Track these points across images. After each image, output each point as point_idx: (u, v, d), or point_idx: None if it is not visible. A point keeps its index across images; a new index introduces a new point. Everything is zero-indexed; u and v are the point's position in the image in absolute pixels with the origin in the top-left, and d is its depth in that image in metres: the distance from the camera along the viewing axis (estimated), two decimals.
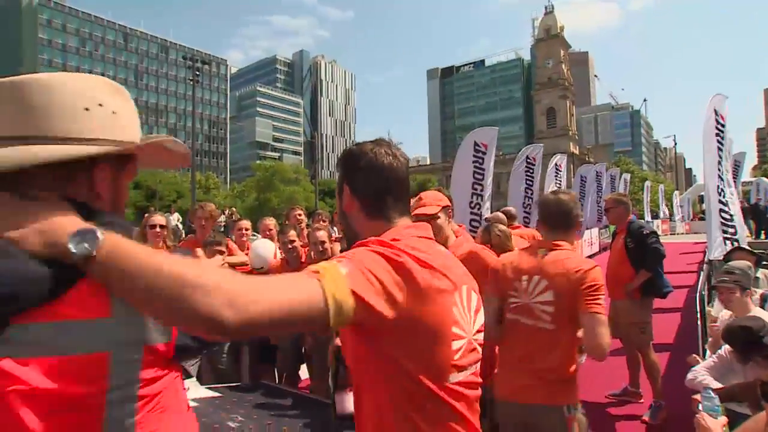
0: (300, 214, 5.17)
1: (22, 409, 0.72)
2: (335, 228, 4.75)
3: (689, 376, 2.73)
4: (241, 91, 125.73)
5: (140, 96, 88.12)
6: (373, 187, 1.29)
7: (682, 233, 29.80)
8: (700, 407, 2.36)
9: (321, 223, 4.67)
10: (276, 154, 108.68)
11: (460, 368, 1.18)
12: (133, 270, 0.74)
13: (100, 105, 0.91)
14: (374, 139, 1.37)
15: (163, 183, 50.27)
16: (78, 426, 0.78)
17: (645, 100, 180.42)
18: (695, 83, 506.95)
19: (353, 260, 1.04)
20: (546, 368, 2.26)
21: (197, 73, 31.77)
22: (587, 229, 14.19)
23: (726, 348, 2.74)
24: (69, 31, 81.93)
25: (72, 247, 0.73)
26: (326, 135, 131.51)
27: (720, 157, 6.08)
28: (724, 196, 5.94)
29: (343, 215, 1.37)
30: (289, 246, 4.03)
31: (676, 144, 71.02)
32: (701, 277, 5.95)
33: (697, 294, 4.92)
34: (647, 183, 33.66)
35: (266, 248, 4.21)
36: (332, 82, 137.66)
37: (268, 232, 4.77)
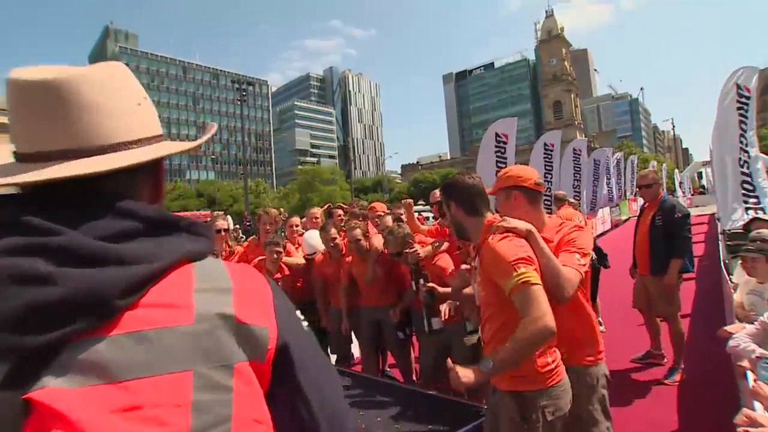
0: (363, 207, 5.26)
1: None
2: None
3: (731, 343, 2.45)
4: (282, 106, 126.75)
5: (198, 118, 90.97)
6: (467, 197, 1.92)
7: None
8: (750, 375, 2.10)
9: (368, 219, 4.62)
10: (314, 159, 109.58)
11: None
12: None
13: (145, 98, 0.66)
14: (460, 172, 2.13)
15: (221, 191, 51.37)
16: None
17: (642, 89, 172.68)
18: (687, 69, 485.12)
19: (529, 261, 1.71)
20: None
21: (244, 93, 32.15)
22: (600, 208, 13.61)
23: None
24: (141, 70, 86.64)
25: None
26: (357, 139, 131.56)
27: (743, 129, 5.46)
28: (748, 168, 5.37)
29: (454, 218, 1.98)
30: (332, 244, 4.00)
31: (674, 127, 68.04)
32: (721, 248, 5.54)
33: (721, 262, 4.55)
34: (653, 163, 32.28)
35: (316, 239, 4.21)
36: (359, 92, 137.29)
37: (314, 220, 4.77)
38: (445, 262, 3.27)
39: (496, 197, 2.13)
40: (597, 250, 4.77)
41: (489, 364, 1.60)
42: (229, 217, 4.43)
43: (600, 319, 5.01)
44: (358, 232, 3.77)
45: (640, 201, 4.78)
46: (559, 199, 5.64)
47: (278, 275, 3.97)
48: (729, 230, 5.90)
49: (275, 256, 3.88)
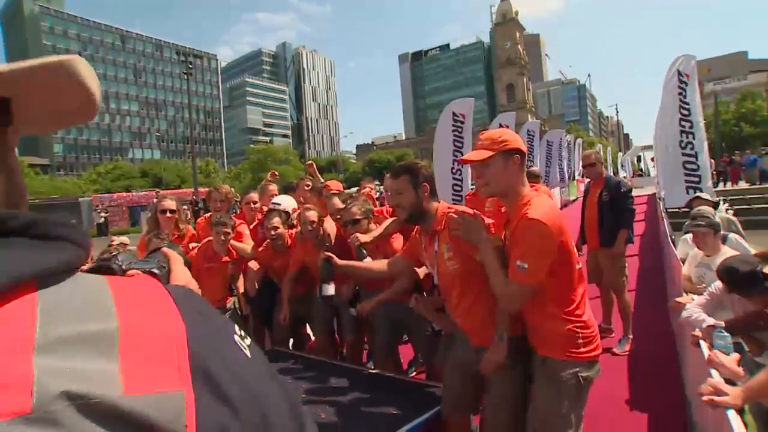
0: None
1: None
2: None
3: (684, 314, 2.55)
4: (232, 82, 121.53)
5: (140, 93, 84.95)
6: (432, 182, 2.15)
7: None
8: (702, 344, 2.18)
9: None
10: (267, 138, 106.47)
11: None
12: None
13: None
14: (416, 160, 2.54)
15: (167, 170, 48.96)
16: None
17: (589, 76, 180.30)
18: (628, 59, 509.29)
19: None
20: None
21: (190, 67, 30.38)
22: (552, 188, 14.09)
23: (716, 285, 2.56)
24: (70, 36, 77.46)
25: None
26: (311, 118, 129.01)
27: (683, 114, 5.77)
28: (692, 149, 5.70)
29: (420, 200, 2.11)
30: (273, 233, 3.64)
31: (618, 113, 71.57)
32: (666, 225, 5.86)
33: (668, 238, 4.80)
34: (598, 146, 33.87)
35: (287, 201, 4.21)
36: (313, 69, 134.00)
37: (253, 205, 4.43)
38: (399, 243, 3.09)
39: (483, 164, 1.88)
40: None
41: (501, 334, 1.87)
42: (169, 198, 4.03)
43: None
44: (312, 213, 3.45)
45: (587, 182, 5.00)
46: (535, 175, 5.38)
47: (227, 258, 3.70)
48: (668, 209, 6.26)
49: (223, 237, 3.57)
